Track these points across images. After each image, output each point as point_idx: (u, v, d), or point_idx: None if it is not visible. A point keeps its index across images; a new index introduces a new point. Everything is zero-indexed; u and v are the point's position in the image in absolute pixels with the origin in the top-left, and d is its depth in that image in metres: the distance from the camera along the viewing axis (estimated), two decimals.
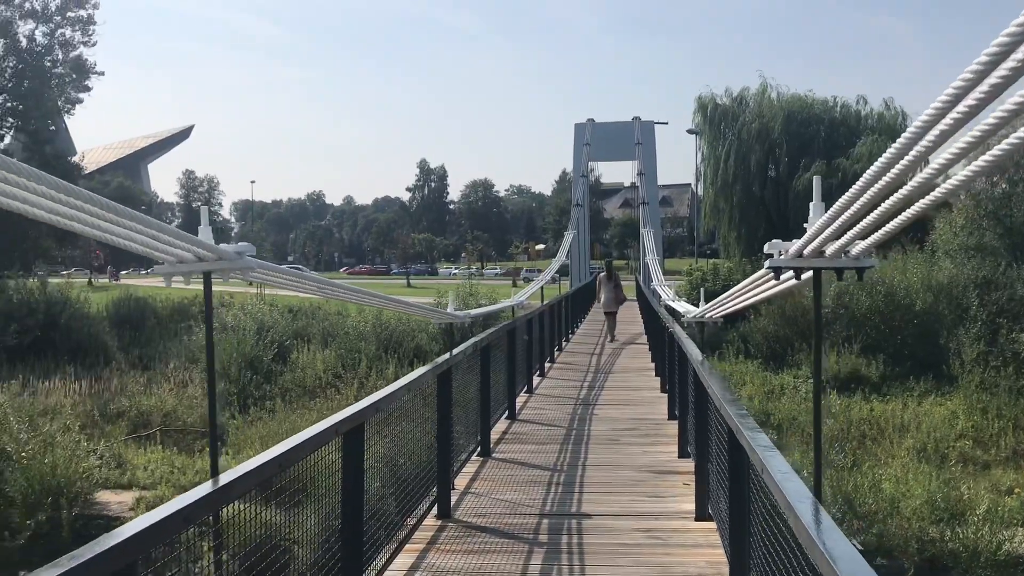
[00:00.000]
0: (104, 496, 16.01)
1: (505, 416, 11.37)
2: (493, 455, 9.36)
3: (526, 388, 13.78)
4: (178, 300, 32.77)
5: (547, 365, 16.54)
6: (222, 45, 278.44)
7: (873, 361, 22.08)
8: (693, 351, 7.49)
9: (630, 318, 27.77)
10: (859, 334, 22.86)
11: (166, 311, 31.16)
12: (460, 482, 8.08)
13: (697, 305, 11.30)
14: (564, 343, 21.38)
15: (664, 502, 7.21)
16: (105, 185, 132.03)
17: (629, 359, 18.52)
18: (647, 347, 19.64)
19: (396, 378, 20.04)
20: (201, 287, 3.96)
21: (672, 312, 13.68)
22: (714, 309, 7.80)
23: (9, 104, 36.97)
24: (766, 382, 22.47)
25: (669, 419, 10.36)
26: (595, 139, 46.29)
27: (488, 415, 9.72)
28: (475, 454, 9.23)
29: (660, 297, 17.35)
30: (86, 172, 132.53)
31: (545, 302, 17.98)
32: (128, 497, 15.93)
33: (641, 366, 16.98)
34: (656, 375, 14.74)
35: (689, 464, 7.69)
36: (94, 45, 38.13)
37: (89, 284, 57.32)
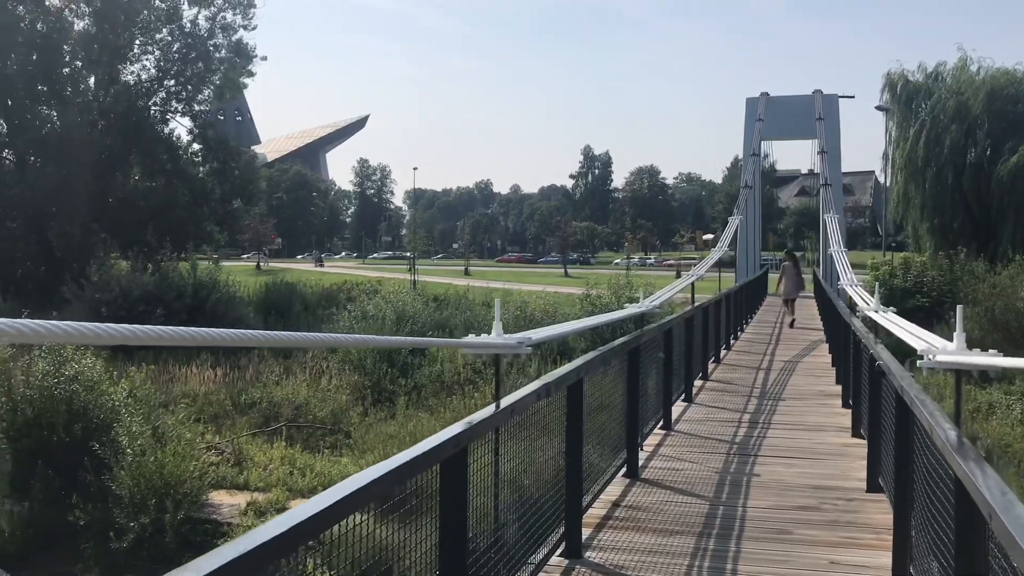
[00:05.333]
0: (218, 496, 14.96)
1: (660, 426, 9.63)
2: (641, 476, 7.58)
3: (683, 396, 11.56)
4: (327, 286, 32.23)
5: (696, 385, 12.73)
6: (394, 36, 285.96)
7: None
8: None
9: (806, 318, 24.61)
10: None
11: (314, 297, 30.60)
12: (597, 510, 6.42)
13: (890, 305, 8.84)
14: (723, 353, 17.19)
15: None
16: (284, 173, 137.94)
17: (805, 379, 14.22)
18: (828, 363, 15.46)
19: (537, 376, 17.57)
20: None
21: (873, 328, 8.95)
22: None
23: (175, 88, 37.63)
24: (969, 398, 18.95)
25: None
26: (769, 115, 42.21)
27: (637, 427, 7.83)
28: (620, 472, 7.44)
29: (851, 301, 12.73)
30: (268, 161, 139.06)
31: (689, 308, 13.47)
32: (241, 500, 14.81)
33: (822, 391, 12.72)
34: (844, 406, 10.87)
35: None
36: (254, 29, 38.48)
37: (257, 268, 58.95)
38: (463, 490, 3.69)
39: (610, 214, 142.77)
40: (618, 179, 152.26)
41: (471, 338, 4.47)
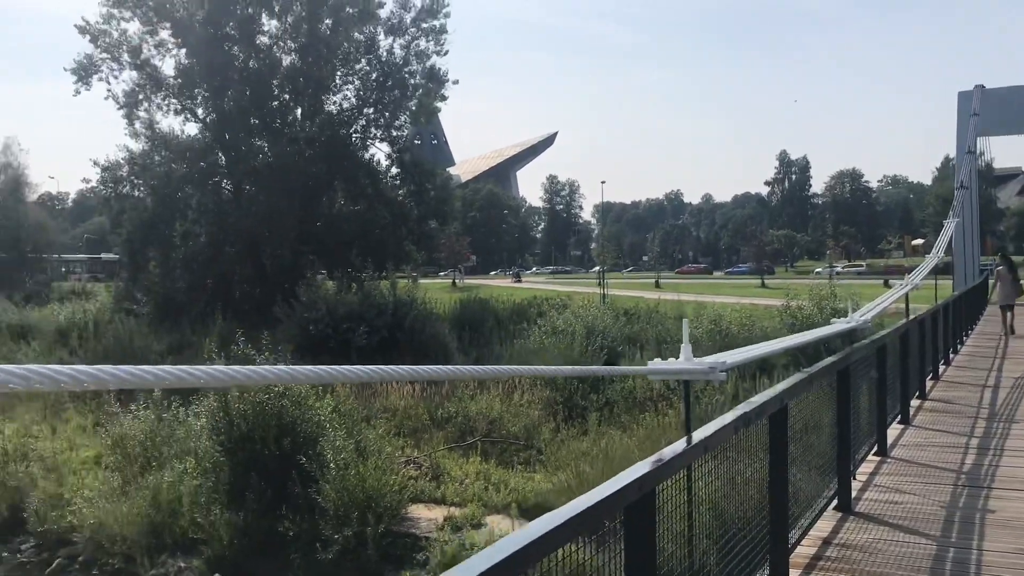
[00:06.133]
0: (416, 511, 15.26)
1: (873, 452, 8.88)
2: (854, 510, 6.91)
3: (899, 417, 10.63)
4: (518, 301, 32.57)
5: (912, 406, 11.68)
6: (574, 51, 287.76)
7: None
8: None
9: None
10: None
11: (506, 312, 30.97)
12: (806, 548, 5.86)
13: None
14: (942, 369, 15.78)
15: None
16: (477, 192, 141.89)
17: None
18: None
19: (736, 400, 16.59)
20: None
21: None
22: None
23: (373, 116, 39.43)
24: None
25: None
26: (985, 109, 38.81)
27: (848, 455, 7.19)
28: (831, 506, 6.86)
29: None
30: (462, 182, 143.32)
31: (903, 321, 12.24)
32: (439, 514, 15.04)
33: None
34: None
35: None
36: (446, 54, 39.78)
37: (453, 284, 60.57)
38: (650, 537, 3.28)
39: (809, 221, 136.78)
40: (817, 184, 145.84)
41: (657, 363, 4.08)
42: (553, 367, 9.02)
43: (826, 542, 6.07)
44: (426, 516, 15.07)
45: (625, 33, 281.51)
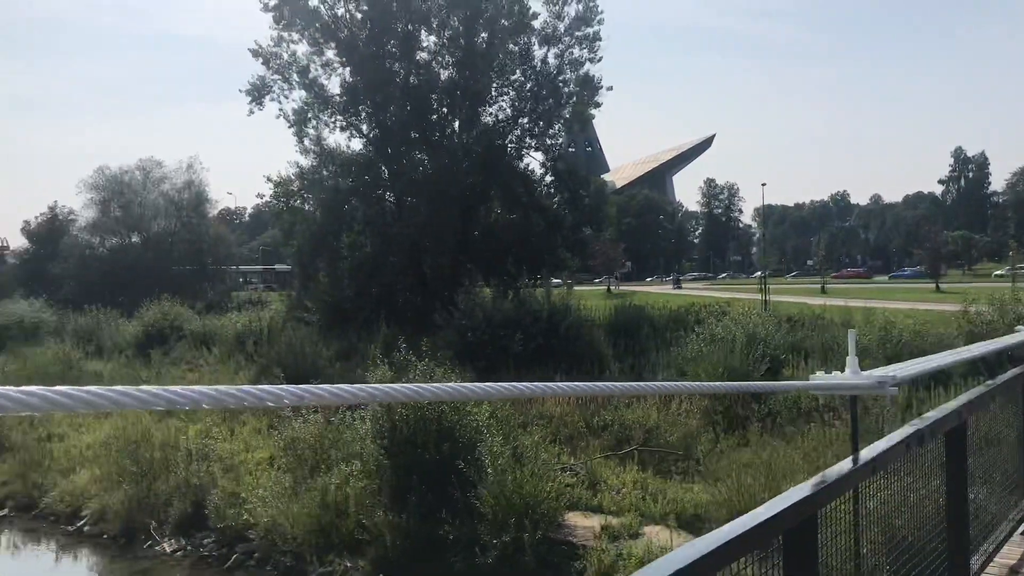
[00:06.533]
0: (572, 518, 15.27)
1: None
2: None
3: None
4: (675, 308, 32.06)
5: None
6: (734, 52, 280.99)
7: None
8: None
9: None
10: None
11: (662, 319, 30.56)
12: None
13: None
14: None
15: None
16: (632, 199, 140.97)
17: None
18: None
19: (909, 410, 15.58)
20: None
21: None
22: None
23: (528, 125, 39.89)
24: None
25: None
26: None
27: None
28: (1018, 531, 6.29)
29: None
30: (617, 188, 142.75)
31: None
32: (596, 522, 14.99)
33: None
34: None
35: None
36: (599, 61, 39.72)
37: (608, 291, 60.48)
38: (811, 564, 3.01)
39: (989, 221, 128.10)
40: (996, 182, 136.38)
41: (820, 376, 3.89)
42: (708, 384, 8.78)
43: (1013, 570, 5.62)
44: (583, 524, 15.05)
45: (789, 30, 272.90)
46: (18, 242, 78.94)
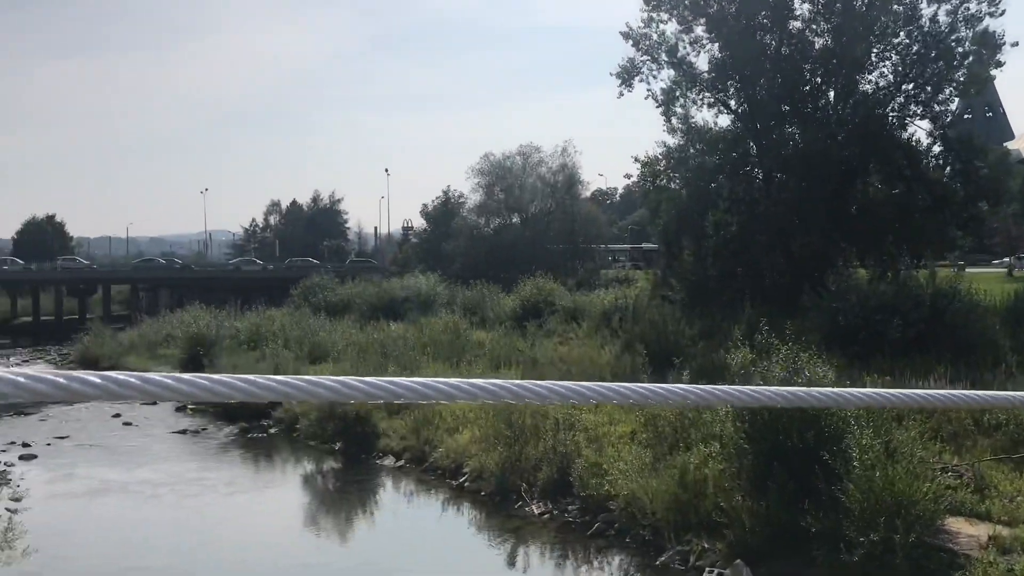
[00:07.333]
0: (955, 524, 13.94)
1: None
2: None
3: None
4: None
5: None
6: None
7: None
8: None
9: None
10: None
11: None
12: None
13: None
14: None
15: None
16: None
17: None
18: None
19: None
20: None
21: None
22: None
23: (913, 91, 36.49)
24: None
25: None
26: None
27: None
28: None
29: None
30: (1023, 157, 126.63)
31: None
32: (982, 531, 13.56)
33: None
34: None
35: None
36: (1002, 15, 34.98)
37: (1008, 274, 53.83)
38: None
39: None
40: None
41: None
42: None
43: None
44: (967, 531, 13.68)
45: None
46: (419, 223, 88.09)
